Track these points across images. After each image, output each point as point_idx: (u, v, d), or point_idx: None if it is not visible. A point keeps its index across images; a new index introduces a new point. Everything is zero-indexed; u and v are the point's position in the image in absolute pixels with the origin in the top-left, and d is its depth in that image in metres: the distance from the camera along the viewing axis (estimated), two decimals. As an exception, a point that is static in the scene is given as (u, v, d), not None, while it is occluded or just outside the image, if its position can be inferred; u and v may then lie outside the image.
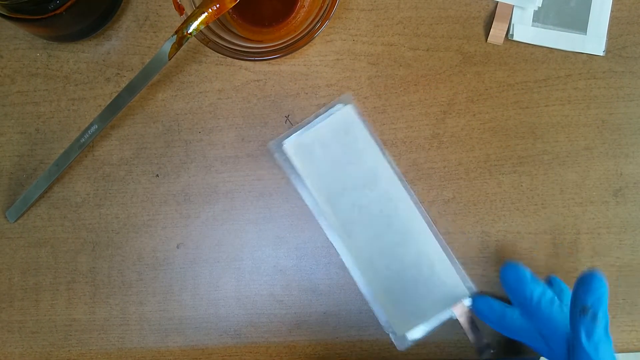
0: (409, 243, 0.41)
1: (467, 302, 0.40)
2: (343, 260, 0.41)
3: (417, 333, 0.41)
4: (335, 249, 0.42)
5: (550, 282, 0.40)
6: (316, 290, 0.42)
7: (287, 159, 0.41)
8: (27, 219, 0.43)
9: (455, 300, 0.40)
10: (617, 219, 0.42)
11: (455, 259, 0.41)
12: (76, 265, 0.43)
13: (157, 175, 0.43)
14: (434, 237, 0.41)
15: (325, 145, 0.41)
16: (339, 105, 0.41)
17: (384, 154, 0.41)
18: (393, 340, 0.41)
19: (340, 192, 0.41)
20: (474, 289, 0.41)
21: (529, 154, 0.42)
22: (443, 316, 0.40)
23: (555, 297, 0.36)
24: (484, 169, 0.42)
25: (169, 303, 0.43)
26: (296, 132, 0.41)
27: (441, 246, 0.41)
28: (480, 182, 0.42)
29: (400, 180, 0.41)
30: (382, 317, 0.41)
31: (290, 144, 0.41)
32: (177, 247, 0.43)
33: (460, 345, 0.42)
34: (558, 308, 0.36)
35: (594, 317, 0.33)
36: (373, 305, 0.41)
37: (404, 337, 0.41)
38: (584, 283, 0.34)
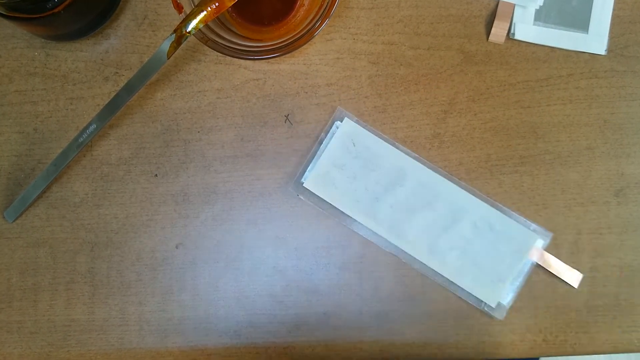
0: (460, 217, 0.41)
1: (540, 243, 0.41)
2: (409, 264, 0.41)
3: (508, 295, 0.41)
4: (399, 259, 0.42)
5: None
6: (316, 290, 0.42)
7: (313, 195, 0.41)
8: (26, 219, 0.43)
9: (528, 247, 0.41)
10: (619, 219, 0.42)
11: (510, 210, 0.41)
12: (75, 266, 0.43)
13: (156, 175, 0.43)
14: (479, 200, 0.41)
15: (340, 166, 0.41)
16: (337, 123, 0.41)
17: (396, 147, 0.41)
18: (491, 313, 0.41)
19: (375, 201, 0.41)
20: (540, 228, 0.40)
21: (530, 153, 0.42)
22: (524, 267, 0.41)
23: None
24: (485, 169, 0.42)
25: (168, 303, 0.42)
26: (308, 166, 0.42)
27: (490, 205, 0.41)
28: (481, 182, 0.42)
29: (423, 163, 0.41)
30: (469, 297, 0.41)
31: (310, 180, 0.41)
32: (176, 247, 0.43)
33: (460, 346, 0.42)
34: None
35: None
36: (455, 289, 0.41)
37: (499, 305, 0.41)
38: None
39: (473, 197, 0.41)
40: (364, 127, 0.41)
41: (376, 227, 0.41)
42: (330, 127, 0.41)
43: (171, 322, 0.42)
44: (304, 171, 0.42)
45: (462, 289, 0.41)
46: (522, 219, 0.41)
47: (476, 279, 0.41)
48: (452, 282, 0.41)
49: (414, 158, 0.41)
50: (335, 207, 0.41)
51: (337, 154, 0.41)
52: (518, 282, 0.41)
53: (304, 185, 0.41)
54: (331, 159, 0.41)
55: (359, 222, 0.41)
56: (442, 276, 0.41)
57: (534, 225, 0.41)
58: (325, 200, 0.41)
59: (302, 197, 0.42)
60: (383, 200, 0.41)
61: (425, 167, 0.41)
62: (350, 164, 0.41)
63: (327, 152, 0.41)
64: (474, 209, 0.41)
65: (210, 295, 0.42)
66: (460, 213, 0.41)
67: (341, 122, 0.41)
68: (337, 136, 0.41)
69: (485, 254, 0.41)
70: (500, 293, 0.41)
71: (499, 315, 0.41)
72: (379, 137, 0.41)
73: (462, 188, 0.41)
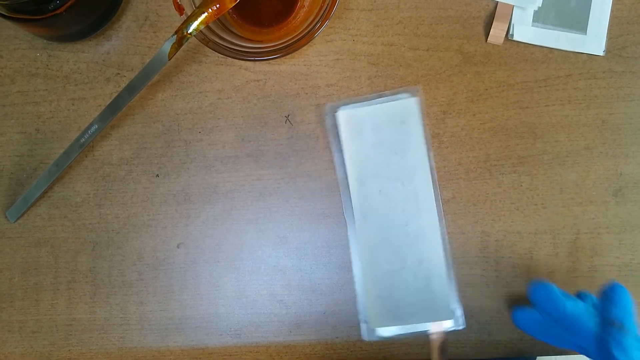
0: (417, 248, 0.41)
1: (447, 324, 0.41)
2: (349, 238, 0.42)
3: (388, 332, 0.41)
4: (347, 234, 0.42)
5: (580, 296, 0.40)
6: (316, 290, 0.43)
7: (335, 126, 0.41)
8: (28, 219, 0.43)
9: (438, 318, 0.41)
10: (617, 219, 0.42)
11: (454, 281, 0.41)
12: (76, 265, 0.43)
13: (157, 175, 0.43)
14: (443, 253, 0.41)
15: (377, 127, 0.41)
16: (405, 95, 0.41)
17: (429, 157, 0.41)
18: (362, 329, 0.41)
19: (373, 176, 0.41)
20: (460, 315, 0.40)
21: (529, 153, 0.42)
22: (419, 328, 0.41)
23: (589, 307, 0.37)
24: (484, 169, 0.42)
25: (169, 303, 0.43)
26: (355, 104, 0.41)
27: (446, 264, 0.41)
28: (480, 182, 0.42)
29: (434, 187, 0.41)
30: (361, 303, 0.41)
31: (344, 114, 0.41)
32: (178, 247, 0.43)
33: (460, 346, 0.42)
34: (590, 315, 0.36)
35: (621, 327, 0.34)
36: (358, 289, 0.41)
37: (374, 331, 0.41)
38: (608, 297, 0.36)
39: (441, 247, 0.41)
40: (422, 118, 0.41)
41: (356, 194, 0.41)
42: (398, 93, 0.41)
43: (172, 321, 0.43)
44: (348, 104, 0.41)
45: (364, 294, 0.41)
46: (455, 296, 0.41)
47: (381, 298, 0.41)
48: (365, 284, 0.41)
49: (432, 178, 0.41)
50: (341, 150, 0.41)
51: (383, 117, 0.41)
52: (405, 332, 0.41)
53: (337, 113, 0.41)
54: (375, 116, 0.41)
55: (348, 180, 0.41)
56: (362, 274, 0.41)
57: (458, 310, 0.41)
58: (339, 139, 0.41)
59: (326, 118, 0.41)
60: (379, 181, 0.41)
61: (432, 190, 0.41)
62: (385, 132, 0.41)
63: (377, 108, 0.41)
64: (432, 253, 0.41)
65: (211, 294, 0.43)
66: (420, 246, 0.41)
67: (410, 96, 0.41)
68: (396, 104, 0.41)
69: (404, 289, 0.41)
70: (385, 324, 0.41)
71: (367, 336, 0.41)
72: (425, 137, 0.41)
73: (440, 235, 0.41)
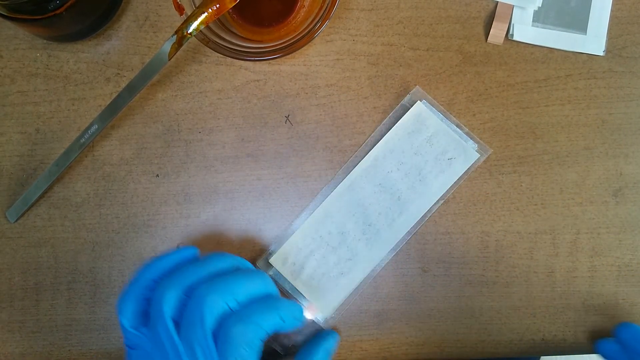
0: (376, 243, 0.41)
1: (318, 319, 0.41)
2: (321, 192, 0.42)
3: (277, 269, 0.41)
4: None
5: None
6: (316, 290, 0.43)
7: (405, 107, 0.41)
8: (28, 219, 0.43)
9: (326, 310, 0.41)
10: (617, 219, 0.42)
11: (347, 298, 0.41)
12: (76, 265, 0.43)
13: (157, 175, 0.43)
14: (387, 255, 0.42)
15: (430, 143, 0.41)
16: (473, 145, 0.41)
17: (437, 204, 0.42)
18: (260, 261, 0.42)
19: (386, 170, 0.41)
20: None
21: (529, 153, 0.42)
22: (306, 298, 0.41)
23: None
24: (484, 169, 0.42)
25: (169, 303, 0.43)
26: (437, 111, 0.41)
27: (361, 281, 0.42)
28: (480, 182, 0.42)
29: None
30: (281, 243, 0.41)
31: (421, 108, 0.41)
32: (178, 247, 0.43)
33: (460, 345, 0.42)
34: None
35: None
36: (294, 232, 0.42)
37: (268, 264, 0.41)
38: None
39: (360, 163, 0.41)
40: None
41: (361, 166, 0.41)
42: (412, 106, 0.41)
43: (172, 321, 0.43)
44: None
45: (294, 236, 0.42)
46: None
47: (305, 252, 0.41)
48: (303, 231, 0.42)
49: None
50: (385, 130, 0.42)
51: (440, 144, 0.41)
52: (289, 287, 0.41)
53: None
54: (439, 137, 0.41)
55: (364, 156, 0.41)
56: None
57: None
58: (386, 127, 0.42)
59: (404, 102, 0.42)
60: (388, 179, 0.41)
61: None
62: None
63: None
64: (382, 251, 0.41)
65: (211, 294, 0.43)
66: (379, 241, 0.41)
67: (272, 267, 0.41)
68: (461, 146, 0.41)
69: (334, 265, 0.41)
70: (283, 268, 0.41)
71: (262, 268, 0.41)
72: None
73: (400, 241, 0.42)
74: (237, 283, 0.31)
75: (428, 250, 0.42)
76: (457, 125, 0.41)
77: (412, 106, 0.41)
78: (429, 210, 0.42)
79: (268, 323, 0.30)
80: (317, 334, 0.38)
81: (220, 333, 0.29)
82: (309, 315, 0.41)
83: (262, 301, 0.31)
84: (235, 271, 0.33)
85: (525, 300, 0.42)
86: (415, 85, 0.42)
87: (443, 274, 0.42)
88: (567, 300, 0.42)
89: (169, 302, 0.30)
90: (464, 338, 0.42)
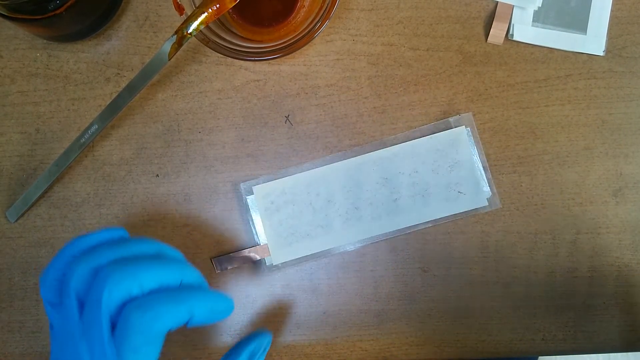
0: (352, 227, 0.42)
1: (265, 261, 0.42)
2: (329, 160, 0.42)
3: (256, 198, 0.42)
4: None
5: None
6: (316, 290, 0.43)
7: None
8: (28, 219, 0.43)
9: (276, 258, 0.41)
10: (617, 219, 0.42)
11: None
12: (76, 265, 0.43)
13: (157, 175, 0.43)
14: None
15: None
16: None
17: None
18: (245, 184, 0.42)
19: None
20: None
21: (529, 154, 0.42)
22: (264, 238, 0.42)
23: None
24: (484, 169, 0.42)
25: (169, 303, 0.43)
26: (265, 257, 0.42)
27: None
28: (480, 182, 0.42)
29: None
30: (270, 179, 0.42)
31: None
32: (177, 247, 0.43)
33: (460, 345, 0.42)
34: None
35: None
36: (288, 175, 0.42)
37: (251, 190, 0.42)
38: None
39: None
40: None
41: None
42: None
43: (172, 321, 0.43)
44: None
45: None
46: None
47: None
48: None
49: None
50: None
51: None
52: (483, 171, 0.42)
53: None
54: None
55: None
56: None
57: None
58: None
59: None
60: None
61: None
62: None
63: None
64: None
65: (211, 294, 0.43)
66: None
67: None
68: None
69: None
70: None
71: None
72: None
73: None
74: (147, 269, 0.29)
75: (428, 250, 0.42)
76: (485, 168, 0.42)
77: (456, 127, 0.42)
78: (414, 226, 0.42)
79: (171, 315, 0.28)
80: (248, 335, 0.37)
81: (119, 319, 0.27)
82: (258, 255, 0.41)
83: (172, 292, 0.29)
84: (153, 257, 0.30)
85: (525, 300, 0.42)
86: (470, 111, 0.42)
87: (443, 274, 0.42)
88: (567, 300, 0.42)
89: (78, 279, 0.28)
90: (464, 338, 0.42)
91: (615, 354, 0.40)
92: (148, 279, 0.28)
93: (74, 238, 0.31)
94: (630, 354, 0.43)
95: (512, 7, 0.42)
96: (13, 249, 0.43)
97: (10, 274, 0.43)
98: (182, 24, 0.37)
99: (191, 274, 0.31)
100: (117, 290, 0.27)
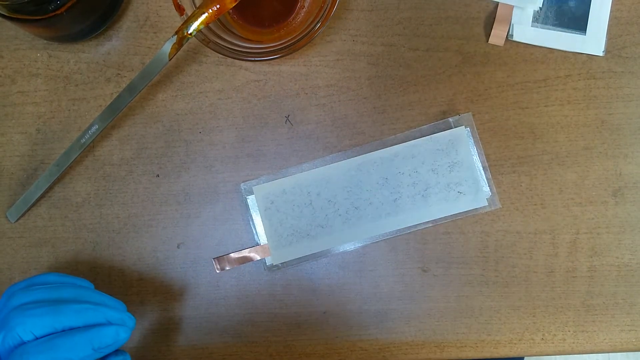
0: (352, 227, 0.42)
1: (265, 261, 0.42)
2: (330, 159, 0.42)
3: (256, 198, 0.42)
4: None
5: None
6: (316, 290, 0.43)
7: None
8: (28, 219, 0.43)
9: (276, 258, 0.42)
10: (616, 219, 0.42)
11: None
12: (77, 265, 0.43)
13: (158, 175, 0.43)
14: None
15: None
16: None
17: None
18: (245, 184, 0.42)
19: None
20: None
21: (529, 154, 0.42)
22: (264, 237, 0.42)
23: None
24: (484, 169, 0.42)
25: (170, 303, 0.43)
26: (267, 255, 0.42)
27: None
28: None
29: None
30: (271, 178, 0.42)
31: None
32: (178, 246, 0.43)
33: (460, 345, 0.43)
34: None
35: None
36: (289, 175, 0.42)
37: (251, 190, 0.42)
38: None
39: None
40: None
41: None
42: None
43: (172, 321, 0.43)
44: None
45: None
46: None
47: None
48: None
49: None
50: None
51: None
52: (482, 170, 0.42)
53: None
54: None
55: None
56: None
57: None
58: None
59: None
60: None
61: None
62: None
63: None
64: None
65: (211, 294, 0.43)
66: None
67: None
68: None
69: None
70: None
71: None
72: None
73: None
74: (43, 314, 0.32)
75: (428, 250, 0.42)
76: (484, 168, 0.42)
77: (456, 127, 0.42)
78: (414, 226, 0.42)
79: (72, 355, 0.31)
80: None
81: None
82: (258, 255, 0.42)
83: (54, 339, 0.31)
84: (57, 302, 0.33)
85: (525, 300, 0.42)
86: (469, 112, 0.42)
87: (443, 274, 0.42)
88: (567, 300, 0.42)
89: None
90: (464, 338, 0.42)
91: (615, 354, 0.40)
92: (39, 325, 0.31)
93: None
94: (630, 354, 0.43)
95: (512, 7, 0.42)
96: (13, 249, 0.43)
97: (10, 274, 0.43)
98: (182, 25, 0.37)
99: (92, 315, 0.33)
100: (10, 337, 0.31)
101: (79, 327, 0.32)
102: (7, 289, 0.35)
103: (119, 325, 0.33)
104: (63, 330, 0.32)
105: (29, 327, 0.31)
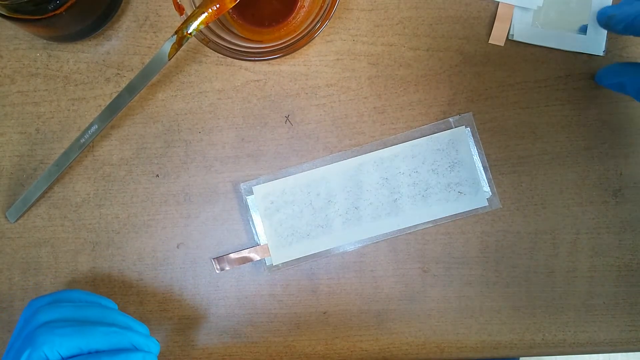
0: (352, 227, 0.42)
1: (265, 261, 0.42)
2: (329, 159, 0.42)
3: (256, 198, 0.42)
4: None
5: None
6: (316, 290, 0.43)
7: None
8: (28, 219, 0.43)
9: (276, 258, 0.42)
10: (617, 219, 0.42)
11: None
12: (76, 265, 0.43)
13: (157, 175, 0.43)
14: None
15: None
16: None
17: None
18: (245, 184, 0.42)
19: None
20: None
21: (529, 154, 0.42)
22: (264, 238, 0.42)
23: None
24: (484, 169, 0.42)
25: (169, 303, 0.43)
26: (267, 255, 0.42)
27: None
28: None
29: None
30: (270, 179, 0.42)
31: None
32: (177, 247, 0.43)
33: (460, 345, 0.42)
34: None
35: None
36: (288, 175, 0.42)
37: (251, 191, 0.42)
38: None
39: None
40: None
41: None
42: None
43: (172, 321, 0.43)
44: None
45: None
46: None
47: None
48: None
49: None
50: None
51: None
52: (483, 170, 0.41)
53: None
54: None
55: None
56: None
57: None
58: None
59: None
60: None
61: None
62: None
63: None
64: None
65: (211, 294, 0.43)
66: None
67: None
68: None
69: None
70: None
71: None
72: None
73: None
74: (69, 334, 0.31)
75: (428, 250, 0.42)
76: (485, 168, 0.42)
77: (456, 127, 0.41)
78: (414, 226, 0.42)
79: None
80: None
81: None
82: (258, 255, 0.41)
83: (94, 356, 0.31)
84: (84, 322, 0.33)
85: (525, 300, 0.42)
86: (470, 111, 0.42)
87: (443, 274, 0.42)
88: (567, 300, 0.42)
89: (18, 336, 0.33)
90: (464, 338, 0.42)
91: (615, 354, 0.40)
92: (66, 346, 0.31)
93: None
94: (630, 354, 0.43)
95: (513, 7, 0.42)
96: (13, 249, 0.43)
97: (10, 274, 0.43)
98: (182, 24, 0.37)
99: (117, 338, 0.33)
100: (37, 355, 0.30)
101: (105, 351, 0.32)
102: (30, 302, 0.35)
103: (146, 353, 0.33)
104: (89, 353, 0.31)
105: (56, 346, 0.31)
